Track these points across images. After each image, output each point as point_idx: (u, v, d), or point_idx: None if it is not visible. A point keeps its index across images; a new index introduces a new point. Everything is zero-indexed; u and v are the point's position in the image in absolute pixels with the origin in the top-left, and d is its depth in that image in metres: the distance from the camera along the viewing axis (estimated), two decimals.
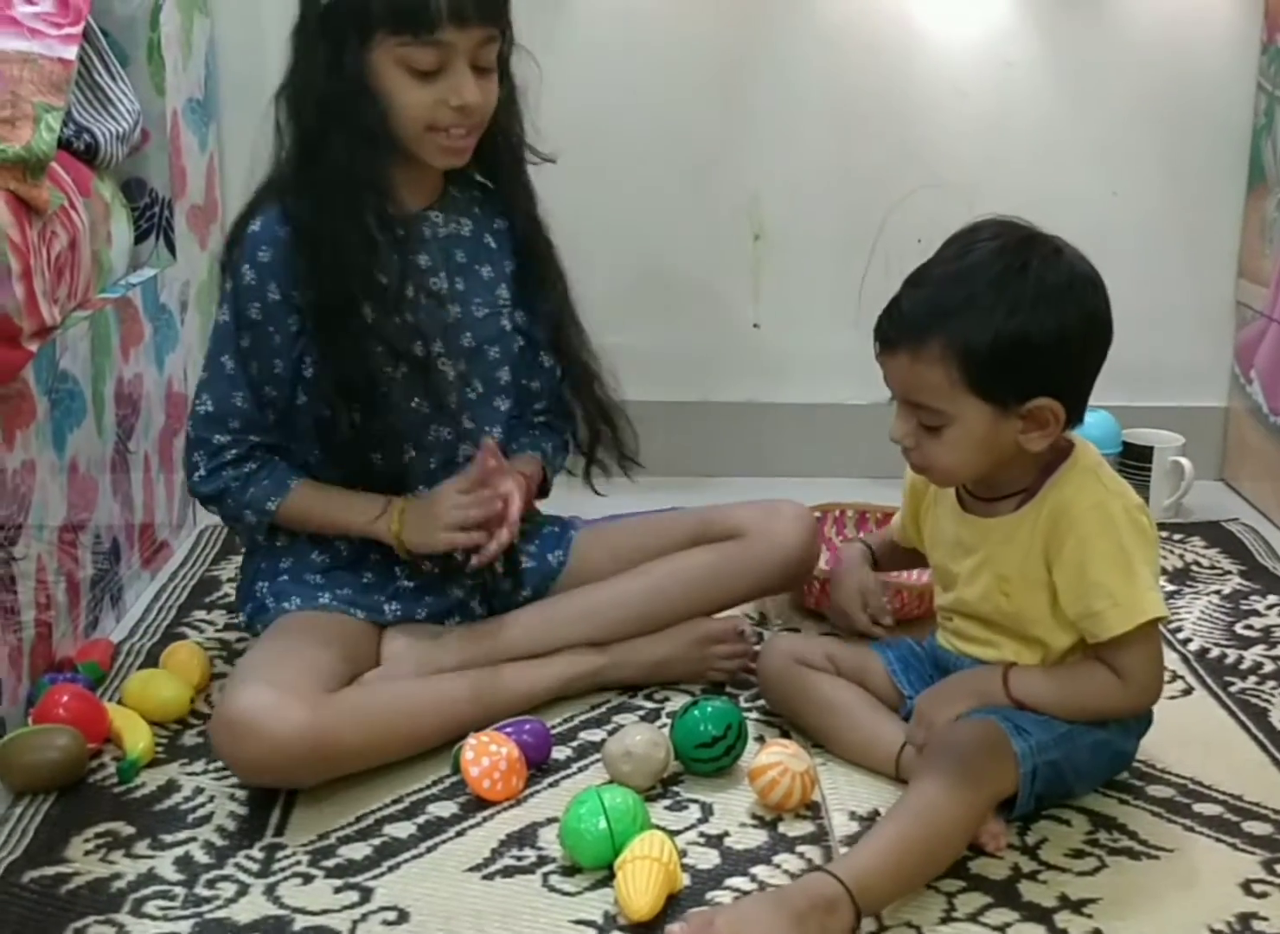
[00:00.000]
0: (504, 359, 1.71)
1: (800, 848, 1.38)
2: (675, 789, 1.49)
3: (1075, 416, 1.38)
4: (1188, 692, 1.72)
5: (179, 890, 1.31)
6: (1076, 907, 1.30)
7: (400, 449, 1.64)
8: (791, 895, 1.22)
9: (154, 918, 1.27)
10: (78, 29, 1.81)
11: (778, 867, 1.36)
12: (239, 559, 2.04)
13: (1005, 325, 1.32)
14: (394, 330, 1.58)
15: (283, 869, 1.35)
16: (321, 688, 1.47)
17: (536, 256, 1.72)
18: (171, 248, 2.15)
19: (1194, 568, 2.11)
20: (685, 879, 1.32)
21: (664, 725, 1.59)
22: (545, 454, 1.77)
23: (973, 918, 1.28)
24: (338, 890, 1.32)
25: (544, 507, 1.81)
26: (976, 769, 1.33)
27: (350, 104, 1.54)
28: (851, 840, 1.38)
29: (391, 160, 1.58)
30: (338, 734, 1.43)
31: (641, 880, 1.26)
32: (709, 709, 1.51)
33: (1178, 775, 1.52)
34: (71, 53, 1.76)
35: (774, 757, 1.44)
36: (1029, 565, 1.41)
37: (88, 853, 1.37)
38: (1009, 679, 1.42)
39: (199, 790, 1.48)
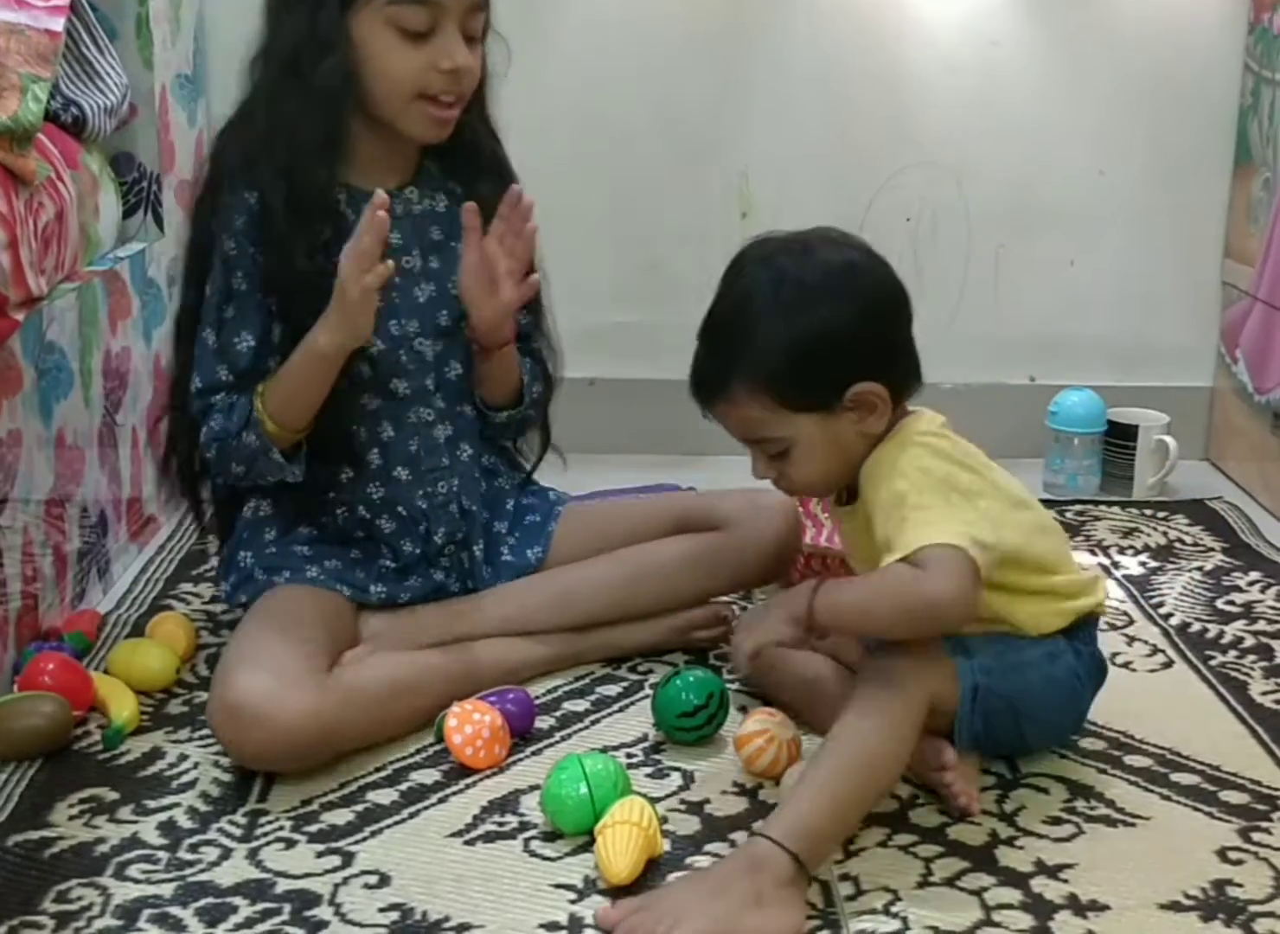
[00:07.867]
0: None
1: None
2: (657, 758, 1.50)
3: (904, 387, 1.40)
4: (1168, 665, 1.73)
5: (162, 855, 1.32)
6: (1053, 872, 1.31)
7: (373, 428, 1.63)
8: (711, 870, 1.25)
9: (136, 881, 1.28)
10: (65, 1, 1.81)
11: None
12: None
13: (787, 339, 1.35)
14: None
15: (265, 834, 1.36)
16: (318, 670, 1.47)
17: None
18: (160, 223, 2.15)
19: (1177, 545, 2.12)
20: (665, 845, 1.33)
21: (646, 697, 1.60)
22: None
23: (949, 882, 1.29)
24: (320, 855, 1.32)
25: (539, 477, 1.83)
26: (903, 670, 1.31)
27: (313, 65, 1.51)
28: None
29: (351, 127, 1.56)
30: (342, 718, 1.44)
31: (621, 845, 1.27)
32: (691, 679, 1.52)
33: (1156, 746, 1.53)
34: (59, 24, 1.76)
35: (761, 724, 1.46)
36: (874, 544, 1.38)
37: (72, 818, 1.38)
38: (817, 588, 1.37)
39: (183, 757, 1.49)
